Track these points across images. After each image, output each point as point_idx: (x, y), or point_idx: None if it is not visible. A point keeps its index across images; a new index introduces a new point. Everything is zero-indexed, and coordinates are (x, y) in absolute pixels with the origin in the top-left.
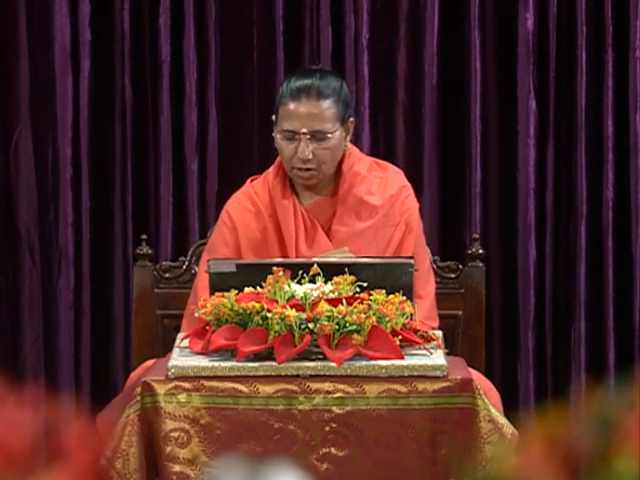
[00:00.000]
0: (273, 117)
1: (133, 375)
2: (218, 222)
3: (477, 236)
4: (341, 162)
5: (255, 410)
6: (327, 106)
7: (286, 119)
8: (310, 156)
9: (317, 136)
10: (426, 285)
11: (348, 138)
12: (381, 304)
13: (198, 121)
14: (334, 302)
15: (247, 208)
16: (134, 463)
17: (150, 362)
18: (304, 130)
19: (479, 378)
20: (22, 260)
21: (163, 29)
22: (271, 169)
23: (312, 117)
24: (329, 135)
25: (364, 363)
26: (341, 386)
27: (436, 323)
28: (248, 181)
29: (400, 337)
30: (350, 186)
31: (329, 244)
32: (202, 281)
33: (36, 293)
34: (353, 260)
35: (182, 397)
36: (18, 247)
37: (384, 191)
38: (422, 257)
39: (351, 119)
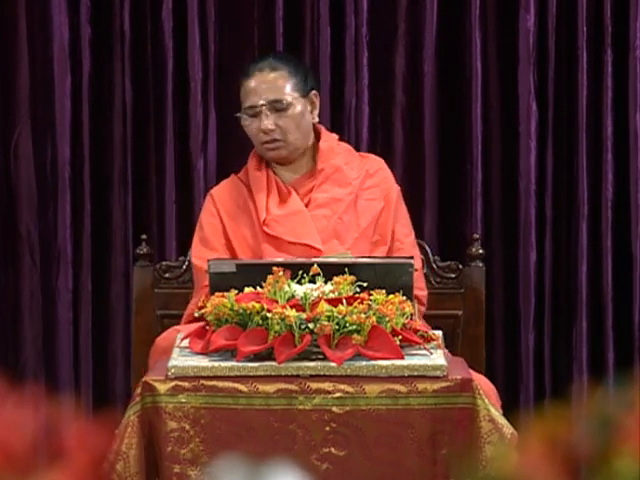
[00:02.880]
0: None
1: (159, 340)
2: (204, 204)
3: (477, 236)
4: (318, 139)
5: (255, 410)
6: (280, 76)
7: (246, 97)
8: (271, 126)
9: (275, 106)
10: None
11: (316, 112)
12: (381, 304)
13: (203, 121)
14: (334, 302)
15: (228, 187)
16: (135, 465)
17: (174, 330)
18: (262, 102)
19: (477, 377)
20: (22, 260)
21: (164, 29)
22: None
23: (267, 88)
24: (287, 103)
25: (364, 363)
26: (341, 386)
27: (425, 292)
28: (232, 175)
29: (400, 337)
30: (328, 158)
31: (301, 205)
32: (197, 267)
33: (36, 293)
34: (353, 260)
35: (182, 397)
36: (18, 247)
37: (361, 167)
38: (406, 233)
39: (314, 92)
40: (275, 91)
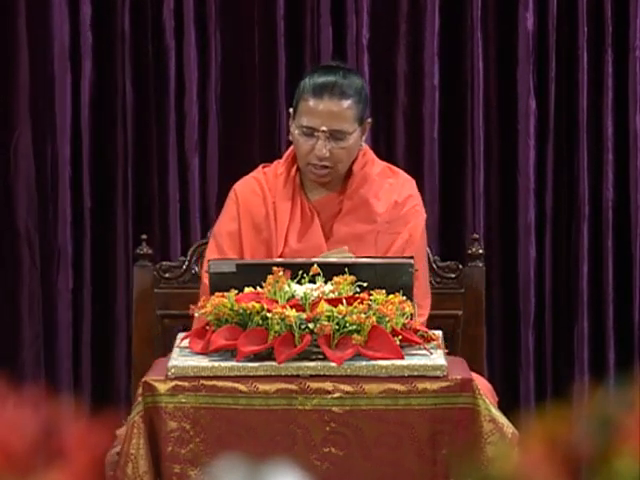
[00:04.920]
0: (291, 110)
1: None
2: (226, 201)
3: (477, 236)
4: (353, 161)
5: (255, 410)
6: (348, 106)
7: (306, 115)
8: (327, 154)
9: (336, 135)
10: (425, 298)
11: (364, 138)
12: (381, 304)
13: (199, 121)
14: (334, 302)
15: (254, 191)
16: (144, 465)
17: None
18: (323, 128)
19: (474, 376)
20: (22, 260)
21: (164, 29)
22: (282, 159)
23: (332, 116)
24: (347, 135)
25: (364, 363)
26: (341, 386)
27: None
28: (260, 167)
29: (400, 337)
30: (358, 186)
31: (322, 240)
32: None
33: (36, 293)
34: (353, 260)
35: (182, 397)
36: (18, 247)
37: (390, 197)
38: (422, 271)
39: (369, 120)
40: (340, 122)
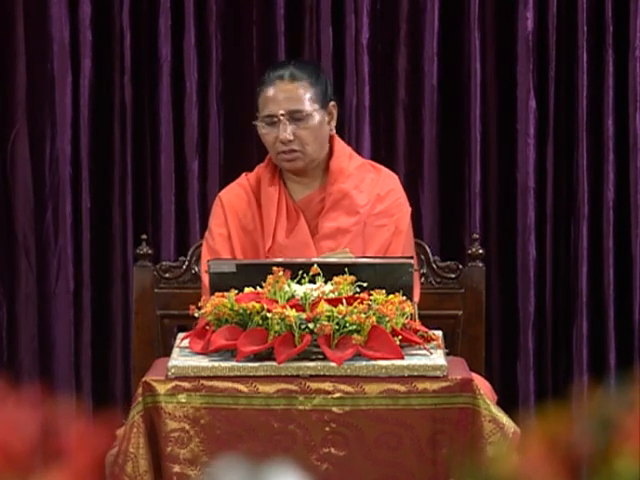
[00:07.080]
0: (257, 113)
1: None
2: (212, 209)
3: (477, 236)
4: (330, 159)
5: (255, 410)
6: (302, 87)
7: (265, 105)
8: (290, 137)
9: (295, 116)
10: (414, 287)
11: (333, 123)
12: (381, 304)
13: (199, 121)
14: (334, 302)
15: (239, 195)
16: (144, 465)
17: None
18: (281, 112)
19: (473, 376)
20: (18, 261)
21: (164, 29)
22: (263, 163)
23: (288, 99)
24: (306, 114)
25: (364, 363)
26: (341, 386)
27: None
28: (243, 175)
29: (400, 337)
30: (337, 181)
31: (308, 236)
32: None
33: (32, 294)
34: (353, 260)
35: (182, 397)
36: (14, 248)
37: (372, 190)
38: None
39: (332, 103)
40: (295, 101)
